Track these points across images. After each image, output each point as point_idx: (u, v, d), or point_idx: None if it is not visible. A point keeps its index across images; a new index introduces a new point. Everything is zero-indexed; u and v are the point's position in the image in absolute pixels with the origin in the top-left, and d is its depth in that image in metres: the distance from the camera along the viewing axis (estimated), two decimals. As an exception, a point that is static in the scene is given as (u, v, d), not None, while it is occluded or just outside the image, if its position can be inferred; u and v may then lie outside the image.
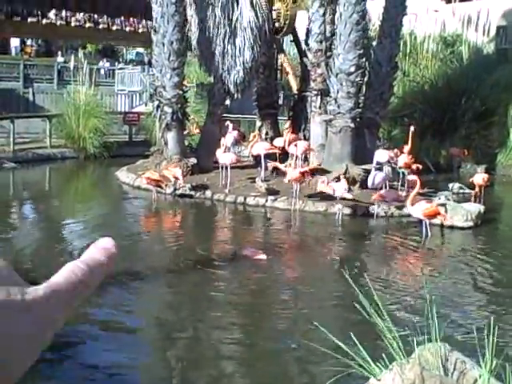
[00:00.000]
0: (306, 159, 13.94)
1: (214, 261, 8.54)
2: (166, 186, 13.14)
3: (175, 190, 13.13)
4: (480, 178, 12.94)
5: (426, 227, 10.10)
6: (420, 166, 13.55)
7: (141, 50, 38.72)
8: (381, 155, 12.25)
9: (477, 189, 10.91)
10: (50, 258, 8.22)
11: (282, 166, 12.79)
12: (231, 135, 14.65)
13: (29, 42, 37.32)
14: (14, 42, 35.89)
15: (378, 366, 3.81)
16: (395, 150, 13.05)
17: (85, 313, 6.14)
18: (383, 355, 3.81)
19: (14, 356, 0.51)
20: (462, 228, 10.84)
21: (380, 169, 11.86)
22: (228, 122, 14.78)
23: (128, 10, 28.22)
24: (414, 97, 19.32)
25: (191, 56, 17.95)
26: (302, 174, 11.91)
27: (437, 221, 10.72)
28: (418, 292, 7.18)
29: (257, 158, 14.30)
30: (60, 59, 33.09)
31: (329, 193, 11.38)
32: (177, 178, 12.83)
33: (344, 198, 11.39)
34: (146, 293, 7.42)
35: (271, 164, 13.11)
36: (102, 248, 0.61)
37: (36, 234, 10.19)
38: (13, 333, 0.51)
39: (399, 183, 13.21)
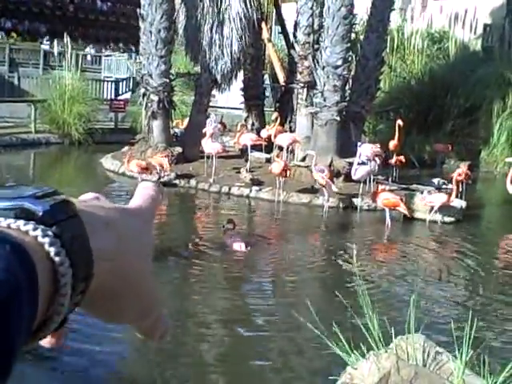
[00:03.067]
0: (291, 151, 14.01)
1: (195, 249, 8.59)
2: (150, 174, 13.14)
3: (160, 178, 13.13)
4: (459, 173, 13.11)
5: (388, 217, 10.36)
6: (403, 159, 13.77)
7: (128, 37, 38.46)
8: (365, 149, 12.33)
9: (454, 185, 11.03)
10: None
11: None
12: (213, 126, 14.67)
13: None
14: (0, 26, 35.48)
15: (355, 355, 3.87)
16: (378, 146, 13.14)
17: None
18: (361, 345, 3.88)
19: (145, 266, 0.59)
20: (444, 223, 10.99)
21: (364, 162, 11.94)
22: (212, 114, 14.81)
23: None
24: (400, 92, 19.44)
25: (178, 45, 17.90)
26: (285, 170, 11.93)
27: (422, 215, 10.91)
28: (397, 285, 7.29)
29: (243, 148, 14.35)
30: (45, 45, 32.76)
31: (322, 184, 11.40)
32: (162, 166, 12.85)
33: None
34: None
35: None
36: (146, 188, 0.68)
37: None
38: (144, 240, 0.61)
39: (390, 178, 13.46)
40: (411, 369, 3.74)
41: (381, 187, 11.12)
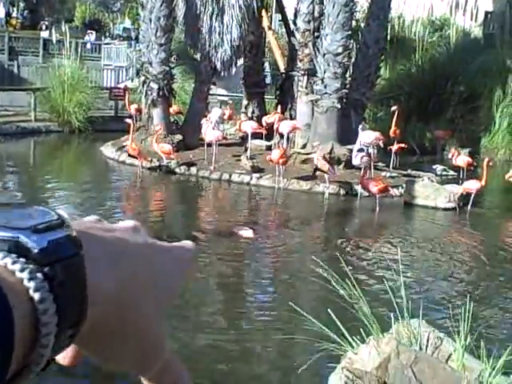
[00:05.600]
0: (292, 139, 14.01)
1: (197, 236, 8.61)
2: (151, 161, 13.14)
3: (160, 165, 13.14)
4: (462, 160, 13.20)
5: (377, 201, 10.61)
6: (404, 146, 13.85)
7: (128, 25, 38.36)
8: (366, 136, 12.34)
9: (484, 169, 11.18)
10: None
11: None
12: (218, 112, 14.71)
13: (14, 14, 36.77)
14: (-1, 14, 35.35)
15: (355, 340, 3.90)
16: (379, 133, 13.18)
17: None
18: (361, 331, 3.90)
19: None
20: (445, 209, 11.02)
21: (362, 149, 11.95)
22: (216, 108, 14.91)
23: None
24: (400, 79, 19.39)
25: (178, 32, 17.83)
26: (284, 157, 11.97)
27: (422, 201, 10.98)
28: (397, 271, 7.30)
29: (244, 136, 14.36)
30: (44, 33, 32.66)
31: (324, 170, 11.44)
32: (168, 154, 12.85)
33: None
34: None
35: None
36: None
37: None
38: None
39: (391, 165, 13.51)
40: (411, 353, 3.77)
41: (367, 176, 11.27)
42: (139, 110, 16.08)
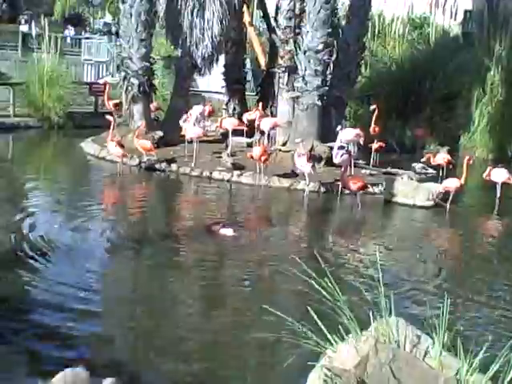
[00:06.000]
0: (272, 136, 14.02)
1: (177, 234, 8.60)
2: (130, 157, 13.07)
3: (141, 162, 13.08)
4: (441, 158, 13.32)
5: (358, 199, 10.84)
6: (383, 144, 13.93)
7: (108, 19, 38.08)
8: (346, 133, 12.39)
9: (464, 168, 11.20)
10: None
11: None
12: (198, 109, 14.66)
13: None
14: (-23, 7, 34.92)
15: (334, 339, 3.91)
16: (359, 130, 13.24)
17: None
18: (340, 329, 3.91)
19: None
20: (423, 207, 11.12)
21: (343, 146, 12.00)
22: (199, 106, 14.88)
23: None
24: (380, 77, 19.48)
25: (159, 28, 17.73)
26: (265, 154, 11.99)
27: (406, 200, 11.05)
28: (375, 268, 7.35)
29: (224, 132, 14.34)
30: (23, 27, 32.32)
31: (303, 170, 11.48)
32: (149, 150, 12.79)
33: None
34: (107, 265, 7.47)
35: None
36: None
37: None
38: None
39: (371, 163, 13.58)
40: (389, 351, 3.79)
41: (346, 173, 11.35)
42: (118, 106, 16.00)
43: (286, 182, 12.13)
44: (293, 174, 12.28)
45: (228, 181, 12.48)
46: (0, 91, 18.86)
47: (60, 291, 6.10)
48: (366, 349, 3.81)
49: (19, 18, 35.26)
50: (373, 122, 14.17)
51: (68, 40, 30.88)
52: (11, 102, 18.23)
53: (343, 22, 15.59)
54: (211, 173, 12.67)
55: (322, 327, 3.83)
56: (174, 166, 13.10)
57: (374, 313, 3.98)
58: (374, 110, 14.10)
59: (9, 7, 36.81)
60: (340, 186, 11.54)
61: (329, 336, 3.85)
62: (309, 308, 3.94)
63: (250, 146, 13.95)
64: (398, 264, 7.78)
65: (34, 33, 29.66)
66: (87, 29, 37.48)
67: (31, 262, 6.87)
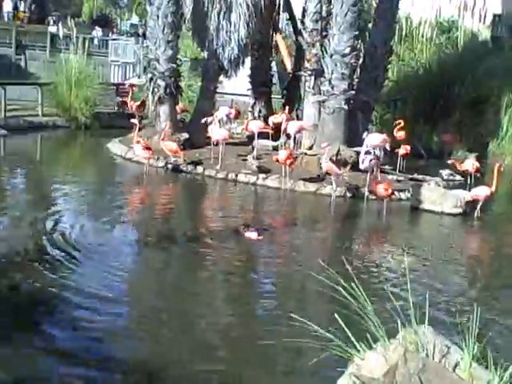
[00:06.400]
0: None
1: (201, 236, 8.59)
2: (157, 159, 13.13)
3: (167, 163, 13.13)
4: (469, 164, 13.15)
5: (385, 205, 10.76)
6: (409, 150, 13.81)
7: (135, 21, 38.36)
8: (373, 138, 12.29)
9: (495, 175, 10.88)
10: (32, 226, 8.25)
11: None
12: (224, 110, 14.71)
13: (21, 7, 36.74)
14: (7, 7, 35.32)
15: (361, 346, 3.87)
16: (385, 135, 13.13)
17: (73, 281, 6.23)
18: (368, 336, 3.87)
19: None
20: (451, 214, 10.95)
21: (370, 152, 11.89)
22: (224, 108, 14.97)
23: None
24: (407, 81, 19.32)
25: (185, 30, 17.82)
26: (290, 158, 11.96)
27: (433, 207, 10.91)
28: (404, 275, 7.27)
29: (250, 135, 14.35)
30: (52, 28, 32.67)
31: (333, 172, 11.43)
32: (175, 152, 12.84)
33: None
34: (132, 263, 7.49)
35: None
36: None
37: (22, 201, 10.18)
38: None
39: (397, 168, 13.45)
40: (419, 361, 3.74)
41: (375, 179, 11.28)
42: (141, 107, 16.18)
43: (311, 187, 12.08)
44: (318, 179, 12.23)
45: (253, 184, 12.47)
46: (29, 91, 19.13)
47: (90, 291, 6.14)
48: (394, 358, 3.76)
49: (48, 19, 35.63)
50: (399, 127, 14.03)
51: (95, 41, 31.15)
52: (40, 101, 18.46)
53: (370, 25, 15.49)
54: (237, 175, 12.67)
55: (350, 335, 3.79)
56: (199, 168, 13.13)
57: (402, 321, 3.93)
58: (399, 123, 13.98)
59: (38, 8, 37.20)
60: (366, 191, 11.45)
61: (356, 343, 3.81)
62: (336, 316, 3.90)
63: (275, 149, 13.93)
64: (426, 272, 7.67)
65: (61, 34, 29.99)
66: (114, 30, 37.77)
67: (56, 260, 6.95)
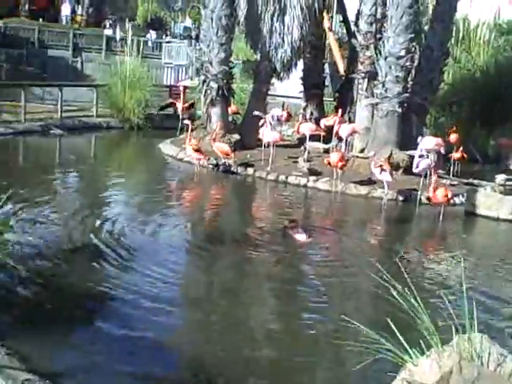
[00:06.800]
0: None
1: (251, 238, 8.57)
2: (208, 160, 13.21)
3: (218, 164, 13.20)
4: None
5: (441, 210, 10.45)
6: (465, 154, 13.50)
7: (189, 24, 38.78)
8: (427, 142, 12.04)
9: None
10: (87, 223, 8.39)
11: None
12: (276, 112, 14.72)
13: (79, 11, 37.61)
14: (65, 11, 36.21)
15: (414, 353, 3.79)
16: (440, 139, 12.87)
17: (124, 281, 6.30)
18: (421, 343, 3.79)
19: None
20: (507, 220, 10.63)
21: (423, 156, 11.66)
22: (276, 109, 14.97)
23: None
24: (463, 84, 18.91)
25: (238, 32, 17.91)
26: (342, 161, 11.83)
27: (489, 212, 10.60)
28: (458, 281, 7.10)
29: (301, 137, 14.30)
30: (108, 31, 33.35)
31: (384, 178, 11.26)
32: (226, 154, 12.90)
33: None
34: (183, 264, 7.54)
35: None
36: None
37: (76, 199, 10.37)
38: None
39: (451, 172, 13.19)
40: (474, 369, 3.63)
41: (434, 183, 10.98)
42: (189, 108, 16.39)
43: (362, 190, 11.94)
44: (370, 182, 12.08)
45: (304, 186, 12.41)
46: (85, 92, 19.57)
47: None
48: (449, 365, 3.66)
49: (104, 22, 36.38)
50: (454, 131, 13.78)
51: (149, 43, 31.61)
52: (94, 102, 18.86)
53: (426, 27, 15.24)
54: (287, 177, 12.63)
55: (402, 340, 3.71)
56: (250, 170, 13.15)
57: (456, 327, 3.83)
58: (454, 131, 13.74)
59: (95, 12, 38.02)
60: (419, 195, 11.24)
61: (409, 349, 3.72)
62: (388, 321, 3.82)
63: (326, 151, 13.84)
64: (482, 279, 7.47)
65: (117, 36, 30.58)
66: (168, 33, 38.25)
67: (109, 255, 7.07)
